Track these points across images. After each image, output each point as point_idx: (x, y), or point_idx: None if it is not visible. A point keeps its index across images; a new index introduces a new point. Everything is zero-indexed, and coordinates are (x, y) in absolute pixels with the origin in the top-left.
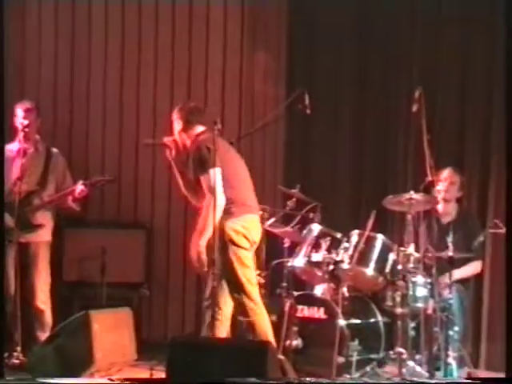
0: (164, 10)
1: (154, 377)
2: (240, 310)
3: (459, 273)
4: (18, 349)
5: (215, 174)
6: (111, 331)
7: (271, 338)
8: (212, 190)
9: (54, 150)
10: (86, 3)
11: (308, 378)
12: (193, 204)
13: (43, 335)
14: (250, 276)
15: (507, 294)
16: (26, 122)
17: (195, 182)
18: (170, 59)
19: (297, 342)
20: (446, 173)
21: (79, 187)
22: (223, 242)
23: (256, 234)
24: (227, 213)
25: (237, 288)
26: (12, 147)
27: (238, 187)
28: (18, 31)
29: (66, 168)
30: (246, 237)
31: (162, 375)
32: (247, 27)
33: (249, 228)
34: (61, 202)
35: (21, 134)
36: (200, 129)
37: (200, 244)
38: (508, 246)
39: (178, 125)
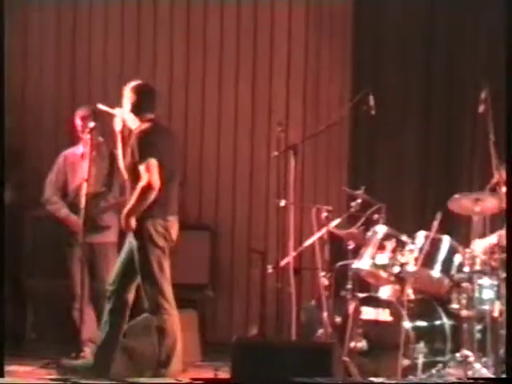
0: (229, 8)
1: (219, 377)
2: (152, 308)
3: None
4: (86, 349)
5: (155, 164)
6: None
7: (179, 341)
8: (150, 178)
9: None
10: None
11: (375, 379)
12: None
13: None
14: (168, 275)
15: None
16: (87, 127)
17: (129, 162)
18: (234, 58)
19: (361, 344)
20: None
21: None
22: (142, 241)
23: (174, 235)
24: (149, 211)
25: (153, 286)
26: (75, 151)
27: (162, 187)
28: (69, 34)
29: None
30: (165, 237)
31: (227, 376)
32: (312, 26)
33: (168, 228)
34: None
35: (86, 137)
36: (149, 115)
37: (124, 213)
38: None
39: (126, 104)
